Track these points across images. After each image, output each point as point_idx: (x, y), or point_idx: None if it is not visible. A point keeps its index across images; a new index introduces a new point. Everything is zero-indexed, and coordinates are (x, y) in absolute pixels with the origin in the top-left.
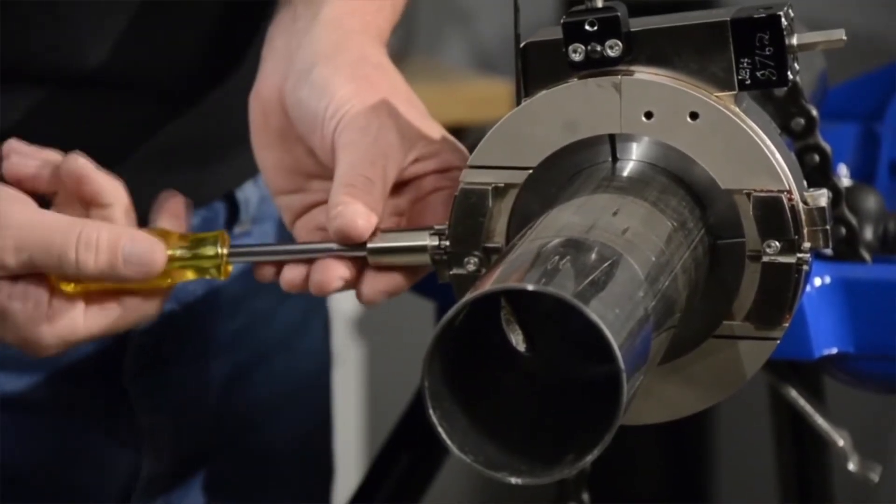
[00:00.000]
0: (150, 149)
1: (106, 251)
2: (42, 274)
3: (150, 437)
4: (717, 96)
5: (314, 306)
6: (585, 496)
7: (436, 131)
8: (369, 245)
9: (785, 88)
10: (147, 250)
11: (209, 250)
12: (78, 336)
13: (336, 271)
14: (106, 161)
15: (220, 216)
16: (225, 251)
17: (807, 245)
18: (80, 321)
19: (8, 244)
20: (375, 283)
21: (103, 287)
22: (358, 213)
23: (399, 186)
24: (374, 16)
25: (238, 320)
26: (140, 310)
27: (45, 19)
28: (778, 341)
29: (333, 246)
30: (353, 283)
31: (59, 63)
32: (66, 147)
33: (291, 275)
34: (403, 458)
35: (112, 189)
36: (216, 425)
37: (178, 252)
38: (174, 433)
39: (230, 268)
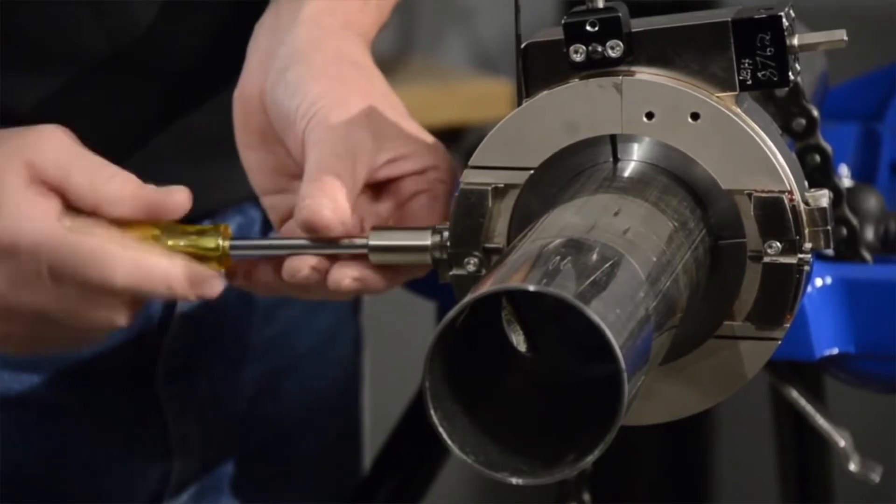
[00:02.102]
0: (173, 139)
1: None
2: None
3: (181, 442)
4: (718, 97)
5: (346, 315)
6: (586, 496)
7: (413, 131)
8: (370, 242)
9: (786, 89)
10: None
11: (210, 242)
12: None
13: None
14: (129, 149)
15: (256, 224)
16: (226, 243)
17: (808, 245)
18: None
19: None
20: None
21: None
22: (324, 205)
23: (377, 190)
24: (357, 14)
25: (271, 328)
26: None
27: (63, 2)
28: (779, 342)
29: (336, 242)
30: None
31: (75, 45)
32: (84, 135)
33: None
34: (404, 458)
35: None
36: (246, 432)
37: (180, 243)
38: (204, 439)
39: (230, 261)
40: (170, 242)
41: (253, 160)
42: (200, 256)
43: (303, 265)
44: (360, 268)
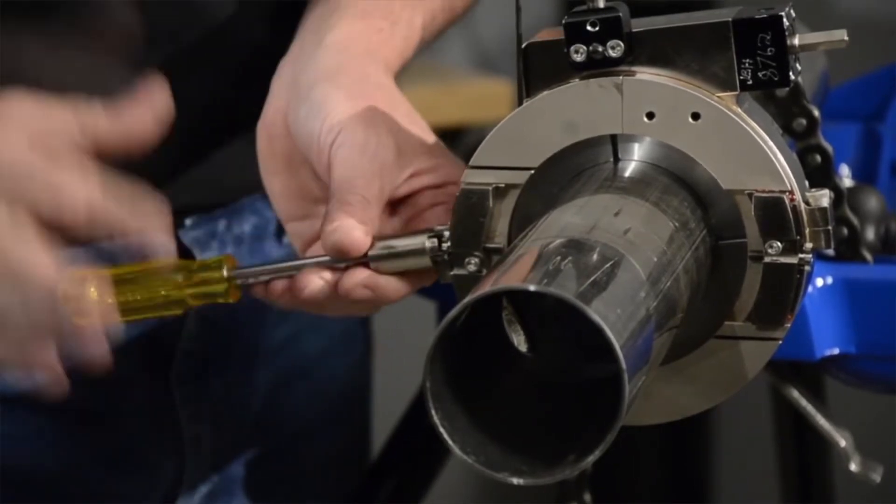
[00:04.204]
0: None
1: None
2: None
3: (195, 443)
4: (718, 97)
5: (358, 320)
6: (587, 496)
7: (435, 148)
8: (371, 253)
9: (787, 89)
10: None
11: (215, 276)
12: None
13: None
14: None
15: (272, 224)
16: (231, 275)
17: (808, 245)
18: None
19: None
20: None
21: None
22: (354, 226)
23: (395, 204)
24: (379, 45)
25: (284, 330)
26: None
27: None
28: (780, 342)
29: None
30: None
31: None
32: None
33: (315, 284)
34: (405, 458)
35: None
36: (258, 433)
37: (186, 287)
38: (217, 440)
39: (239, 292)
40: (176, 280)
41: (277, 186)
42: (208, 291)
43: (312, 279)
44: (368, 274)
